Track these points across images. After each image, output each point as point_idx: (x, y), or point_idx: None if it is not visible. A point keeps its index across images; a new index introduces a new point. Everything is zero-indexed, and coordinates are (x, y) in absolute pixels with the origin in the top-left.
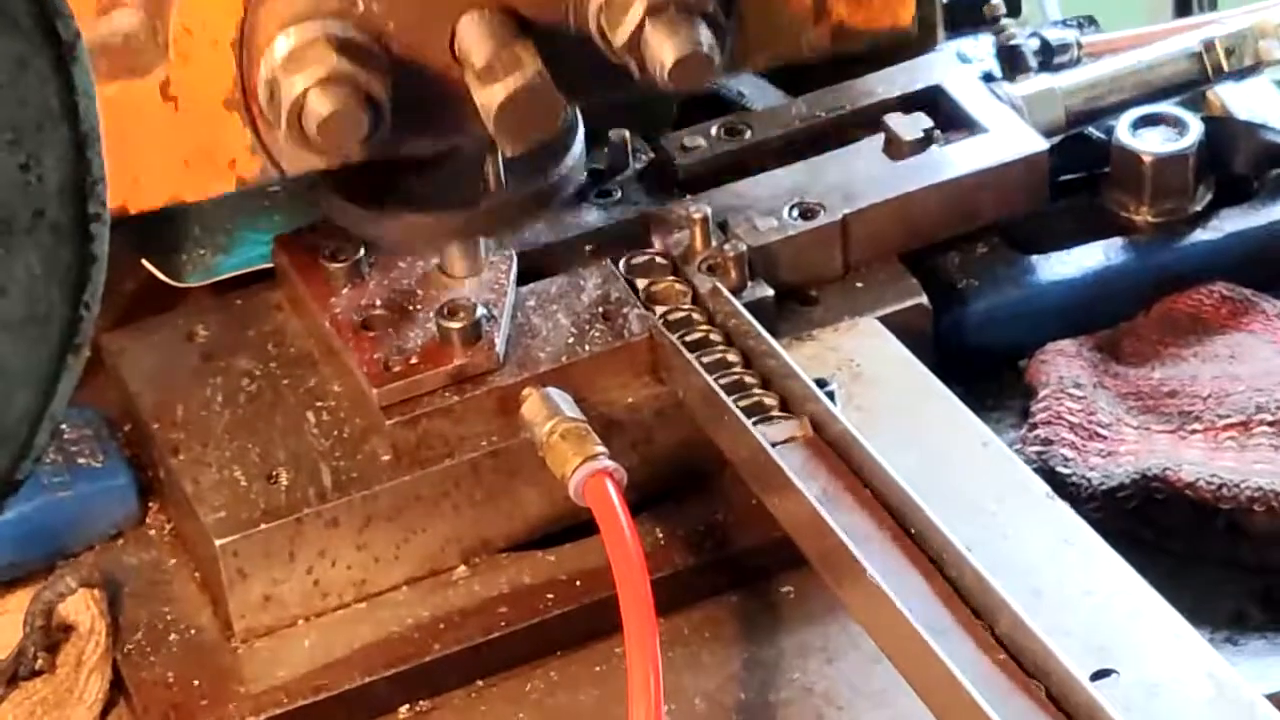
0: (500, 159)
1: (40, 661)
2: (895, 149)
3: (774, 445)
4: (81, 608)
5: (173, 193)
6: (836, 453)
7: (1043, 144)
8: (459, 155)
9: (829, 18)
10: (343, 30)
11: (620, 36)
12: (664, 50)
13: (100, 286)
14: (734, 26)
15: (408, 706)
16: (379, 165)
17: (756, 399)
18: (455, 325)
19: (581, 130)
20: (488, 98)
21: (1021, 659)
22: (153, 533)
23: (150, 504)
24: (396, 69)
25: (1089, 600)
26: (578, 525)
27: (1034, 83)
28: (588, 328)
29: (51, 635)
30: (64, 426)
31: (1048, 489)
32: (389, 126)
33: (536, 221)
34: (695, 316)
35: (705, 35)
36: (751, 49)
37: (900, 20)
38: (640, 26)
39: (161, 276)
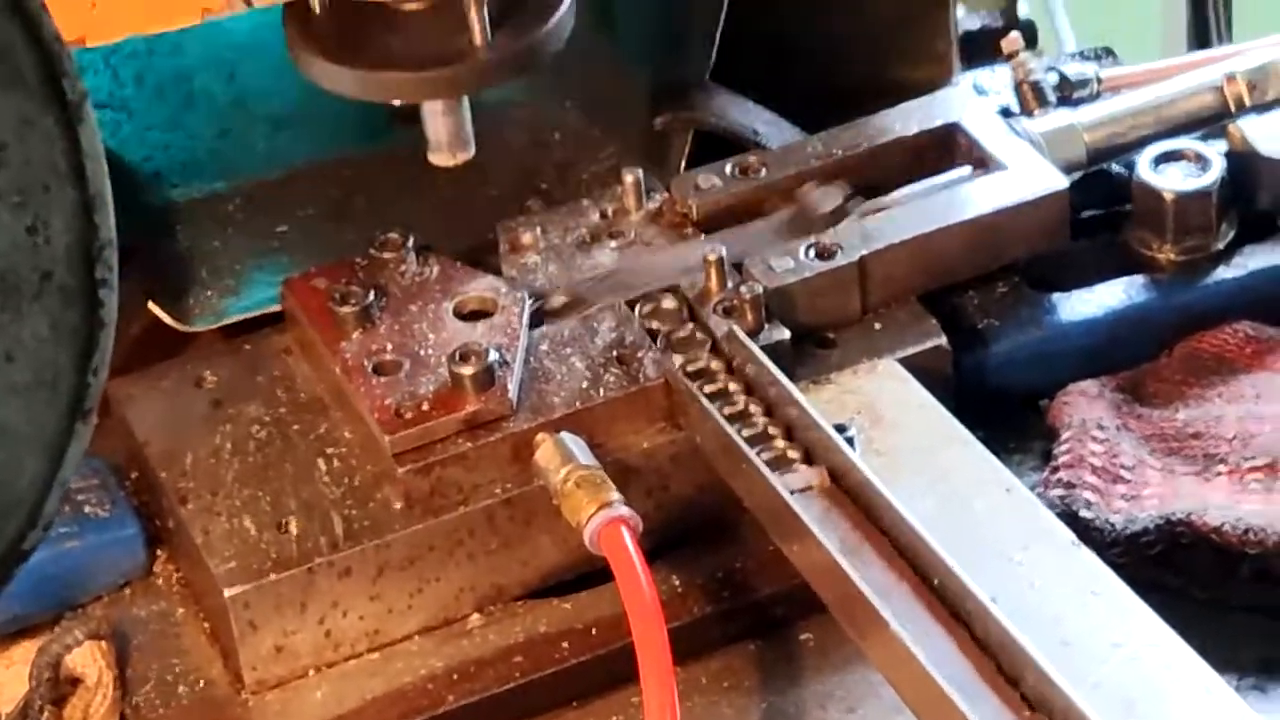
0: (484, 11)
1: (47, 715)
2: (806, 223)
3: (793, 493)
4: (89, 660)
5: (133, 24)
6: (856, 501)
7: (1063, 182)
8: (442, 9)
9: None
10: None
11: None
12: None
13: (108, 352)
14: None
15: None
16: (356, 19)
17: (775, 445)
18: (468, 371)
19: None
20: None
21: (1051, 715)
22: (161, 583)
23: (159, 553)
24: None
25: (1118, 653)
26: (594, 571)
27: (1054, 118)
28: (602, 372)
29: (58, 688)
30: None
31: (1073, 537)
32: None
33: (519, 79)
34: (712, 361)
35: None
36: None
37: None
38: None
39: (169, 320)
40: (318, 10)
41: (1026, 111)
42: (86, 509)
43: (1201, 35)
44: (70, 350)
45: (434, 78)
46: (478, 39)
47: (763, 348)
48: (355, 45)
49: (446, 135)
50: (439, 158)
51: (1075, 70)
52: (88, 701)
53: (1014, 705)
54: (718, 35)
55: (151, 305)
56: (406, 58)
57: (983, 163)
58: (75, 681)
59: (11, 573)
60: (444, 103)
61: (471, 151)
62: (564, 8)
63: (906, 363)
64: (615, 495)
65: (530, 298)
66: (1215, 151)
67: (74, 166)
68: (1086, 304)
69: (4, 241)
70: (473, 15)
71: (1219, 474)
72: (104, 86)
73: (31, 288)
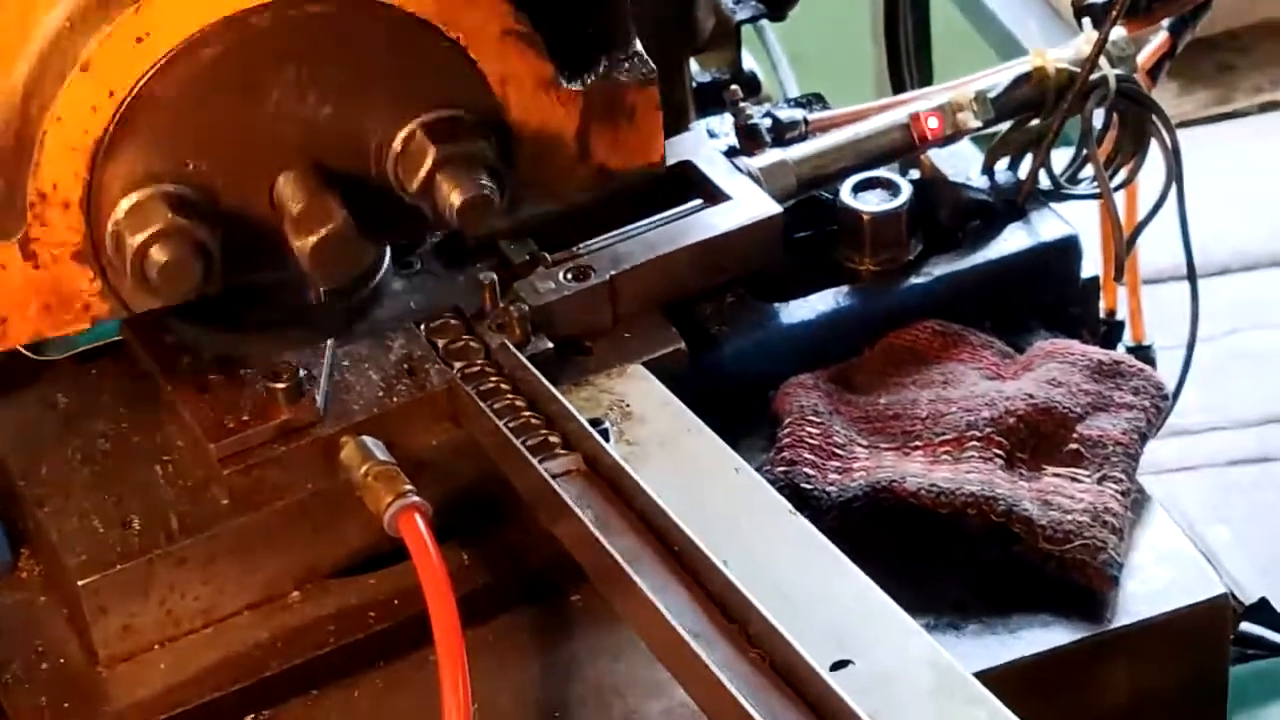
0: (320, 289)
1: None
2: (505, 271)
3: (555, 478)
4: None
5: (36, 331)
6: (609, 483)
7: (777, 208)
8: (286, 283)
9: (592, 160)
10: (176, 188)
11: (414, 184)
12: (452, 195)
13: None
14: (511, 173)
15: (252, 716)
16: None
17: (540, 438)
18: (280, 385)
19: (388, 253)
20: (302, 244)
21: (772, 656)
22: (24, 575)
23: (22, 551)
24: (225, 219)
25: (828, 603)
26: (394, 552)
27: (769, 156)
28: (395, 382)
29: None
30: None
31: (790, 507)
32: (219, 271)
33: (357, 326)
34: (487, 369)
35: (487, 181)
36: (528, 190)
37: (652, 157)
38: (430, 176)
39: (25, 352)
40: None
41: (747, 150)
42: None
43: (896, 79)
44: None
45: (282, 339)
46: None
47: (529, 357)
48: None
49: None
50: None
51: (787, 114)
52: None
53: (740, 646)
54: None
55: None
56: (260, 321)
57: (711, 195)
58: None
59: None
60: None
61: None
62: (384, 265)
63: (652, 365)
64: (408, 486)
65: None
66: (904, 179)
67: None
68: (801, 310)
69: None
70: (311, 289)
71: (915, 448)
72: None
73: None
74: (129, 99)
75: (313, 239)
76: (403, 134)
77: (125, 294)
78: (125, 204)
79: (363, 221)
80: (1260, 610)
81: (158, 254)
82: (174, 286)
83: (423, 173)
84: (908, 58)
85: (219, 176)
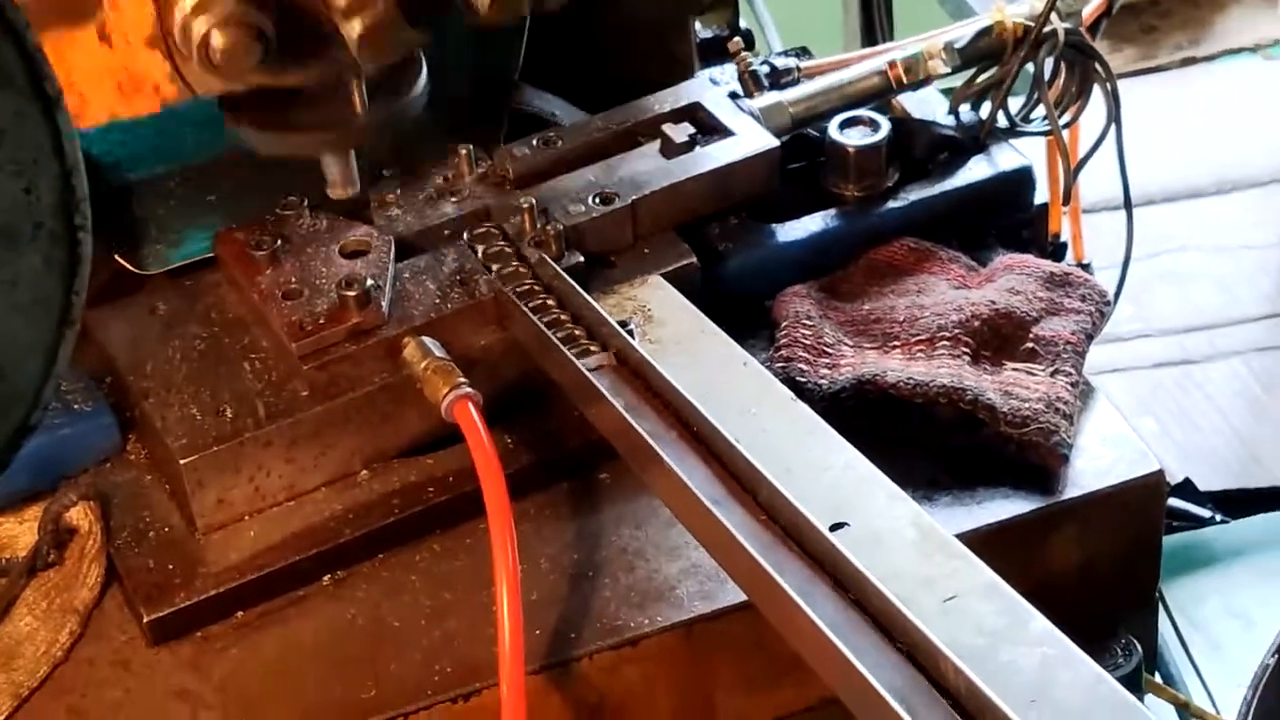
0: (363, 87)
1: (52, 556)
2: (669, 149)
3: (590, 371)
4: (81, 515)
5: (111, 111)
6: (637, 375)
7: (775, 142)
8: (331, 89)
9: None
10: None
11: None
12: None
13: (86, 278)
14: None
15: (328, 576)
16: (272, 100)
17: (576, 338)
18: (351, 293)
19: (425, 69)
20: (349, 29)
21: (779, 519)
22: (132, 458)
23: (130, 436)
24: (280, 9)
25: (826, 474)
26: (449, 436)
27: (767, 98)
28: (449, 291)
29: (60, 536)
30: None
31: (791, 394)
32: (276, 55)
33: (389, 135)
34: (529, 280)
35: None
36: None
37: None
38: None
39: (129, 267)
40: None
41: (748, 94)
42: (74, 406)
43: (869, 35)
44: (60, 277)
45: (326, 139)
46: (358, 108)
47: (564, 269)
48: (271, 116)
49: (339, 177)
50: (334, 193)
51: (782, 63)
52: (82, 546)
53: (753, 511)
54: (522, 47)
55: (116, 257)
56: (307, 124)
57: (717, 131)
58: (72, 531)
59: (23, 442)
60: (335, 155)
61: (358, 189)
62: (420, 81)
63: (668, 276)
64: (462, 379)
65: (394, 240)
66: (884, 118)
67: (56, 144)
68: (795, 230)
69: (5, 200)
70: (354, 91)
71: (894, 347)
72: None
73: (28, 234)
74: None
75: (359, 24)
76: None
77: (192, 78)
78: None
79: (405, 11)
80: (1184, 489)
81: (219, 38)
82: (235, 68)
83: None
84: (879, 17)
85: None
